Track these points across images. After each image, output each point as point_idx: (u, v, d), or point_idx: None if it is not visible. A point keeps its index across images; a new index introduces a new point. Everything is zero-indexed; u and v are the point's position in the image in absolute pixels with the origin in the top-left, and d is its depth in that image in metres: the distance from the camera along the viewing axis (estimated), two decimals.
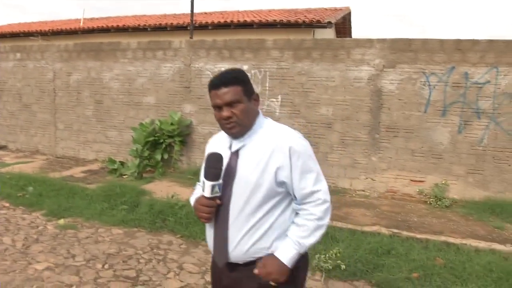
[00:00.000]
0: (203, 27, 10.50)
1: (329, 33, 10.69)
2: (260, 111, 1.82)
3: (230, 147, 1.77)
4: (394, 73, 6.26)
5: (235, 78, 1.70)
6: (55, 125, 9.21)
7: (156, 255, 4.37)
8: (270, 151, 1.66)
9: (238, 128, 1.69)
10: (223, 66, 7.32)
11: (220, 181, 1.67)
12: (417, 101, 6.19)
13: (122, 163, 7.67)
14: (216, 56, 7.43)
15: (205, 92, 6.94)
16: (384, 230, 4.64)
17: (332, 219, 5.04)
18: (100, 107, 8.66)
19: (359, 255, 4.06)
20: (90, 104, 8.76)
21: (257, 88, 7.15)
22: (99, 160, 8.56)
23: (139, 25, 11.23)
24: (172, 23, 10.92)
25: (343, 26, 12.77)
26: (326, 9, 11.74)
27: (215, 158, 1.68)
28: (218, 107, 1.70)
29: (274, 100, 7.07)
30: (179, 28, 10.60)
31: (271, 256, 1.68)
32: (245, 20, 10.14)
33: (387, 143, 6.39)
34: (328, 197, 1.73)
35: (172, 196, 5.73)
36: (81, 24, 12.26)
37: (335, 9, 11.48)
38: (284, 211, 1.73)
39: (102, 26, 11.77)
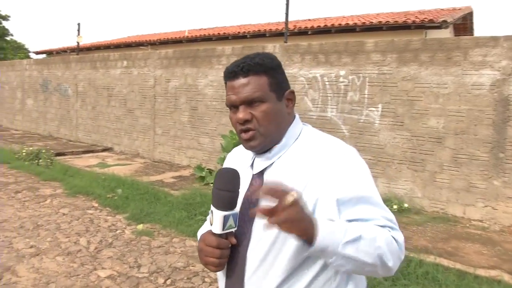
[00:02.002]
0: (302, 33, 10.05)
1: (444, 35, 9.42)
2: (296, 115, 1.23)
3: (252, 166, 1.20)
4: None
5: (260, 64, 1.14)
6: (154, 130, 9.47)
7: None
8: (308, 174, 1.07)
9: (260, 139, 1.13)
10: (318, 72, 6.74)
11: (236, 210, 1.11)
12: None
13: (210, 171, 7.50)
14: (311, 61, 6.87)
15: (298, 99, 6.37)
16: (507, 277, 3.59)
17: (435, 253, 4.13)
18: (194, 114, 8.66)
19: None
20: (186, 110, 8.82)
21: (354, 96, 6.41)
22: (192, 166, 8.54)
23: (238, 32, 11.22)
24: (271, 29, 10.68)
25: (463, 26, 11.25)
26: (442, 9, 10.44)
27: (229, 176, 1.13)
28: (233, 106, 1.16)
29: (374, 109, 6.25)
30: (277, 35, 10.30)
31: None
32: (347, 24, 9.42)
33: None
34: (402, 239, 1.03)
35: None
36: (186, 33, 12.70)
37: (453, 9, 10.13)
38: (328, 266, 1.06)
39: (204, 34, 12.03)
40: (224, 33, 11.67)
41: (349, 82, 6.48)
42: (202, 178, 7.33)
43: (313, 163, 1.08)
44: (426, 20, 8.32)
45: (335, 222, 0.98)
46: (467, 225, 5.28)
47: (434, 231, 4.94)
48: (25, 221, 5.16)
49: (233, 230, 1.12)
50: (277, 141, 1.16)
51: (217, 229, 1.09)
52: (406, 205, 5.78)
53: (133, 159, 9.57)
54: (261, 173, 1.17)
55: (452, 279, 3.52)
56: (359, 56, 6.36)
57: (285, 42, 7.64)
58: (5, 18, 27.36)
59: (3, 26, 27.33)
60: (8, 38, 27.62)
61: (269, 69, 1.15)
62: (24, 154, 8.85)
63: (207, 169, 7.51)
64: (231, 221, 1.10)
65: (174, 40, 12.66)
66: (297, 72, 7.08)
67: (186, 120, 8.83)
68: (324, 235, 0.92)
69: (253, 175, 1.18)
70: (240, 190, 1.12)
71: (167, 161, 9.22)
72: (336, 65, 6.61)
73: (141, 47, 13.02)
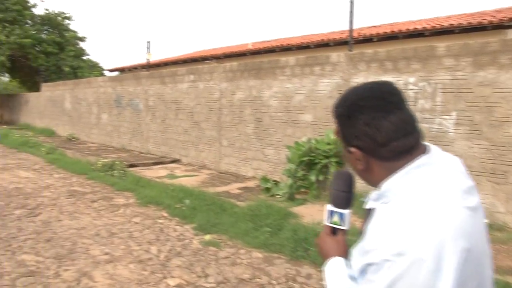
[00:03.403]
0: (367, 40, 9.78)
1: None
2: (409, 166, 0.99)
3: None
4: None
5: (335, 107, 1.09)
6: (220, 141, 9.65)
7: None
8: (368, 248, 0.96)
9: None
10: (386, 80, 6.48)
11: (346, 211, 1.20)
12: None
13: (276, 182, 7.47)
14: (378, 68, 6.65)
15: None
16: None
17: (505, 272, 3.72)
18: (259, 125, 8.71)
19: None
20: (250, 122, 8.90)
21: (425, 104, 6.08)
22: (257, 178, 8.56)
23: (302, 43, 11.17)
24: (334, 38, 10.52)
25: None
26: None
27: (340, 177, 1.23)
28: None
29: (447, 117, 5.89)
30: (341, 43, 10.12)
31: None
32: (415, 28, 9.00)
33: None
34: None
35: (320, 223, 5.15)
36: (250, 46, 12.89)
37: None
38: None
39: (268, 46, 12.13)
40: (288, 44, 11.69)
41: (419, 89, 6.17)
42: (268, 190, 7.32)
43: (370, 235, 0.96)
44: (505, 19, 7.71)
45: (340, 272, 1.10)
46: None
47: None
48: (100, 229, 5.44)
49: (340, 227, 1.21)
50: (374, 185, 1.06)
51: (326, 220, 1.24)
52: (486, 220, 5.32)
53: (199, 170, 9.81)
54: (370, 210, 1.06)
55: None
56: (429, 61, 6.05)
57: (350, 50, 7.47)
58: (82, 39, 29.51)
59: (81, 47, 29.47)
60: (84, 58, 29.72)
61: (338, 116, 1.09)
62: (99, 165, 9.40)
63: (273, 181, 7.49)
64: (336, 218, 1.21)
65: (238, 53, 12.92)
66: (363, 81, 6.86)
67: (251, 131, 8.90)
68: (326, 271, 1.16)
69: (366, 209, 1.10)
70: (351, 189, 1.20)
71: (233, 173, 9.34)
72: (405, 72, 6.33)
73: (206, 61, 13.42)
